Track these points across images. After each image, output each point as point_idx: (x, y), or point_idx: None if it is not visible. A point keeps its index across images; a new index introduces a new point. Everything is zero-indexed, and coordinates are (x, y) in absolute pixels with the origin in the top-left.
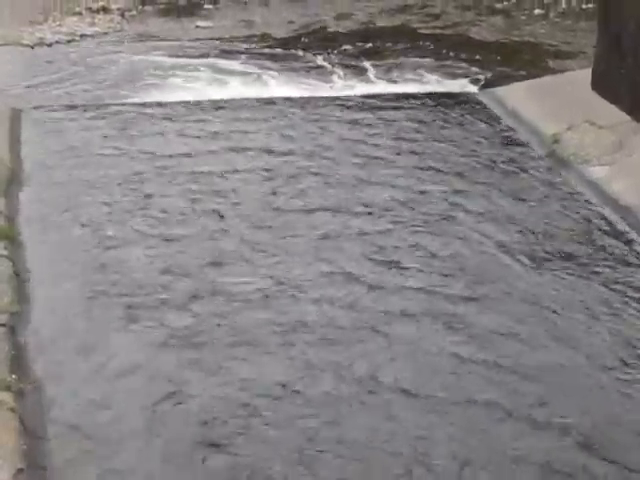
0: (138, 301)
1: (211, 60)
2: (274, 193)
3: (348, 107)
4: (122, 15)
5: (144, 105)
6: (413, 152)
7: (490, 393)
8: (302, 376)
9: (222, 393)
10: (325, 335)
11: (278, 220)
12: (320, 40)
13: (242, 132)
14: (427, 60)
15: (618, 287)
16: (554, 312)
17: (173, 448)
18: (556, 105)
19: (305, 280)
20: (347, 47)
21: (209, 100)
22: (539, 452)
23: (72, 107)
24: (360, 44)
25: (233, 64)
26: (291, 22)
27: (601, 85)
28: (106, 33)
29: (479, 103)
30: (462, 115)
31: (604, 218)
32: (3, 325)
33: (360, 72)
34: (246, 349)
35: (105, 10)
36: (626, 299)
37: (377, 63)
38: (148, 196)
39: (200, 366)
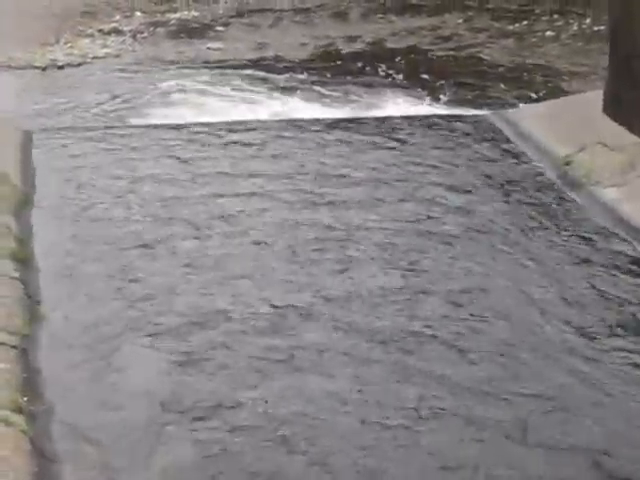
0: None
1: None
2: None
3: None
4: (134, 37)
5: (162, 127)
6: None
7: None
8: None
9: None
10: None
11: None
12: (338, 62)
13: None
14: (437, 82)
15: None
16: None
17: None
18: (568, 127)
19: None
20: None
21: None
22: None
23: (85, 129)
24: (368, 65)
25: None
26: (304, 44)
27: (612, 108)
28: (118, 55)
29: (490, 125)
30: (472, 137)
31: (616, 238)
32: (15, 347)
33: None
34: None
35: (117, 32)
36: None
37: (387, 83)
38: (168, 219)
39: None
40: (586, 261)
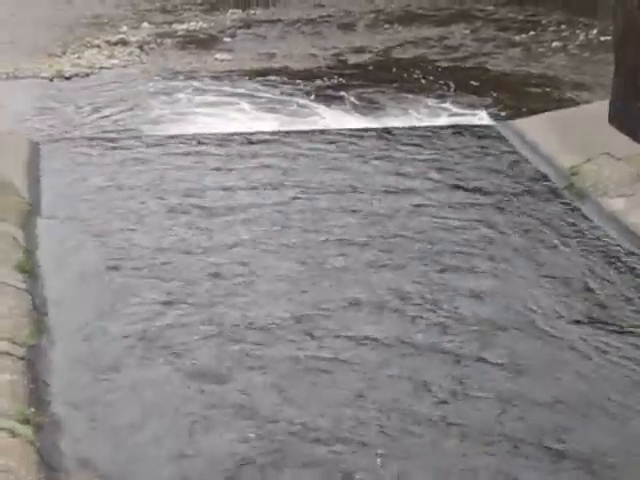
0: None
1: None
2: None
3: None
4: (141, 48)
5: (170, 137)
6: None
7: None
8: None
9: None
10: None
11: None
12: (347, 72)
13: None
14: (445, 92)
15: None
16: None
17: None
18: (574, 137)
19: None
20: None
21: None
22: None
23: (92, 139)
24: (377, 75)
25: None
26: (313, 55)
27: (618, 119)
28: (125, 66)
29: (497, 135)
30: (480, 147)
31: (623, 249)
32: (22, 358)
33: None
34: None
35: (124, 43)
36: None
37: (393, 94)
38: (169, 230)
39: None
40: (591, 271)
